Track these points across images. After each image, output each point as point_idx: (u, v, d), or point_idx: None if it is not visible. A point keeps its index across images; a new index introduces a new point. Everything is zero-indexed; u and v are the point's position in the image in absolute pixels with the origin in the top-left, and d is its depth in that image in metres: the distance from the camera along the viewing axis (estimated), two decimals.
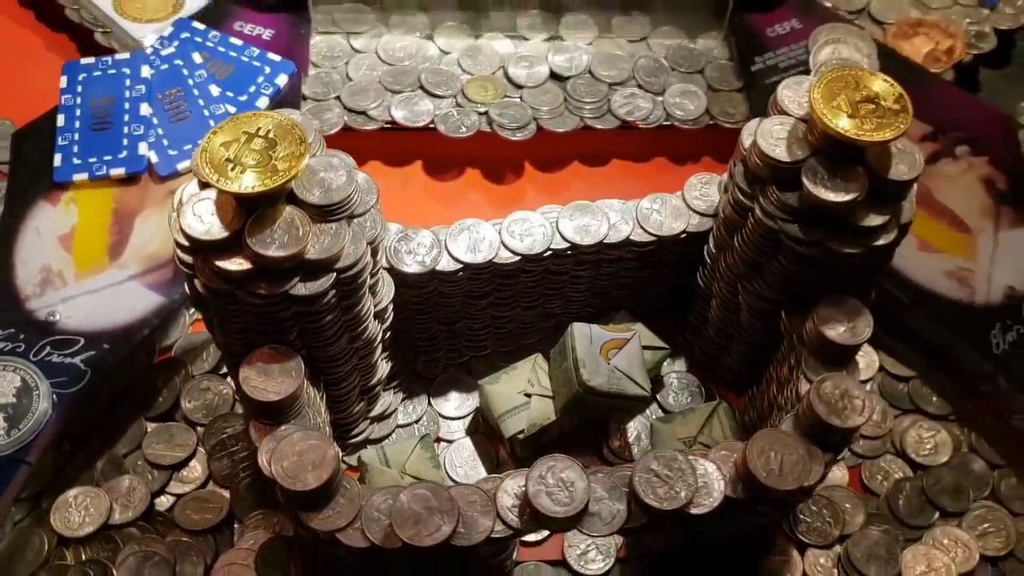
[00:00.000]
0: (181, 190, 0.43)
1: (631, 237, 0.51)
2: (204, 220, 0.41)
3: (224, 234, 0.41)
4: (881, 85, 0.44)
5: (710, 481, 0.43)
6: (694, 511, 0.43)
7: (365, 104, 0.66)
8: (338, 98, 0.66)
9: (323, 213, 0.43)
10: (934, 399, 0.57)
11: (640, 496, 0.42)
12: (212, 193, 0.42)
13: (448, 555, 0.44)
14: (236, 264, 0.41)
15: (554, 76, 0.68)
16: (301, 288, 0.42)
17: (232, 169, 0.41)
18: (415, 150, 0.68)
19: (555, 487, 0.42)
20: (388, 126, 0.65)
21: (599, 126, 0.66)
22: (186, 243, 0.42)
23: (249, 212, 0.42)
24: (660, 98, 0.67)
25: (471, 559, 0.46)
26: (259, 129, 0.42)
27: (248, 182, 0.40)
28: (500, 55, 0.69)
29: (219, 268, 0.41)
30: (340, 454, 0.44)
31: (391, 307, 0.50)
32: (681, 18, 0.70)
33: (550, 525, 0.42)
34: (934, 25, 0.70)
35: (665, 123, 0.67)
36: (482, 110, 0.66)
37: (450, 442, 0.55)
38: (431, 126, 0.65)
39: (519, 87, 0.67)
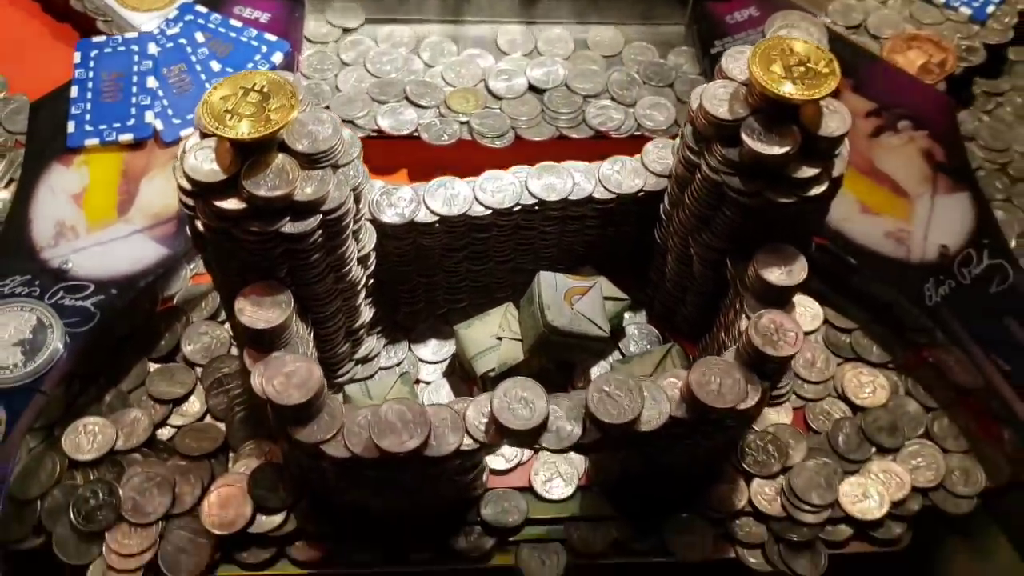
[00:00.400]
0: (184, 142, 0.48)
1: (593, 195, 0.57)
2: (205, 165, 0.46)
3: (222, 177, 0.46)
4: (811, 50, 0.49)
5: (658, 401, 0.48)
6: (643, 428, 0.47)
7: (353, 113, 0.69)
8: (327, 107, 0.69)
9: (311, 161, 0.48)
10: (875, 349, 0.62)
11: (593, 412, 0.47)
12: (212, 142, 0.47)
13: (423, 473, 0.49)
14: (233, 204, 0.46)
15: (532, 88, 0.72)
16: (290, 227, 0.47)
17: (230, 119, 0.46)
18: (400, 158, 0.71)
19: (517, 404, 0.47)
20: (375, 134, 0.69)
21: (574, 135, 0.70)
22: (188, 186, 0.47)
23: (245, 158, 0.46)
24: (631, 109, 0.71)
25: (444, 478, 0.51)
26: (255, 85, 0.47)
27: (244, 129, 0.45)
28: (482, 69, 0.73)
29: (218, 208, 0.46)
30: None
31: (373, 255, 0.55)
32: (647, 7, 0.75)
33: (512, 438, 0.47)
34: (927, 40, 0.75)
35: (636, 133, 0.71)
36: (463, 119, 0.70)
37: (428, 383, 0.59)
38: (415, 134, 0.69)
39: (499, 99, 0.71)
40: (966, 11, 0.77)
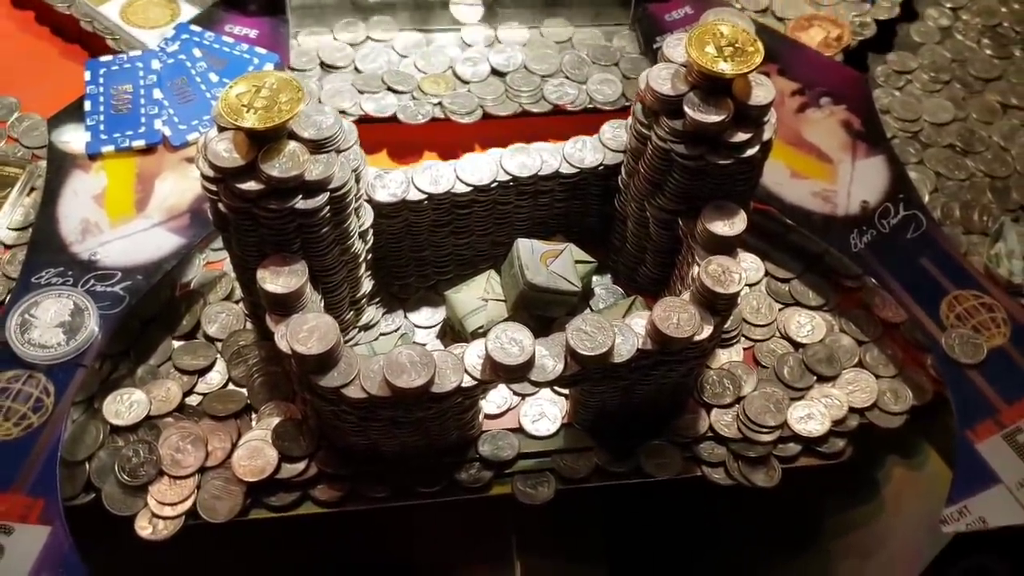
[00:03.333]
0: (204, 135, 0.55)
1: (560, 170, 0.65)
2: (225, 153, 0.54)
3: (242, 163, 0.54)
4: (737, 32, 0.58)
5: (627, 337, 0.56)
6: (615, 360, 0.55)
7: (342, 103, 0.77)
8: (319, 100, 0.77)
9: (317, 146, 0.55)
10: (811, 294, 0.71)
11: (573, 348, 0.55)
12: (229, 135, 0.54)
13: (429, 411, 0.56)
14: (252, 185, 0.54)
15: (495, 72, 0.81)
16: (302, 204, 0.55)
17: (247, 112, 0.53)
18: (382, 140, 0.79)
19: (508, 344, 0.54)
20: (362, 119, 0.76)
21: (535, 110, 0.79)
22: (211, 173, 0.54)
23: (260, 146, 0.54)
24: (584, 86, 0.80)
25: (447, 416, 0.58)
26: (266, 83, 0.54)
27: (259, 120, 0.53)
28: (449, 57, 0.81)
29: (239, 189, 0.54)
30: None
31: (371, 232, 0.62)
32: (595, 10, 0.84)
33: (505, 373, 0.54)
34: (825, 18, 0.86)
35: (589, 106, 0.80)
36: (435, 101, 0.78)
37: (423, 345, 0.67)
38: (396, 116, 0.77)
39: (466, 83, 0.80)
40: None
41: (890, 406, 0.66)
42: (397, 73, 0.80)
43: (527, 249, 0.64)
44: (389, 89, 0.79)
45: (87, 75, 0.71)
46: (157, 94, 0.70)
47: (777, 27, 0.84)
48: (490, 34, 0.84)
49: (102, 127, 0.69)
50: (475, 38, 0.84)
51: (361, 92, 0.79)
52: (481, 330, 0.63)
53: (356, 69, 0.80)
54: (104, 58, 0.73)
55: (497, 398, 0.64)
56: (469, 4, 0.83)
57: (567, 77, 0.81)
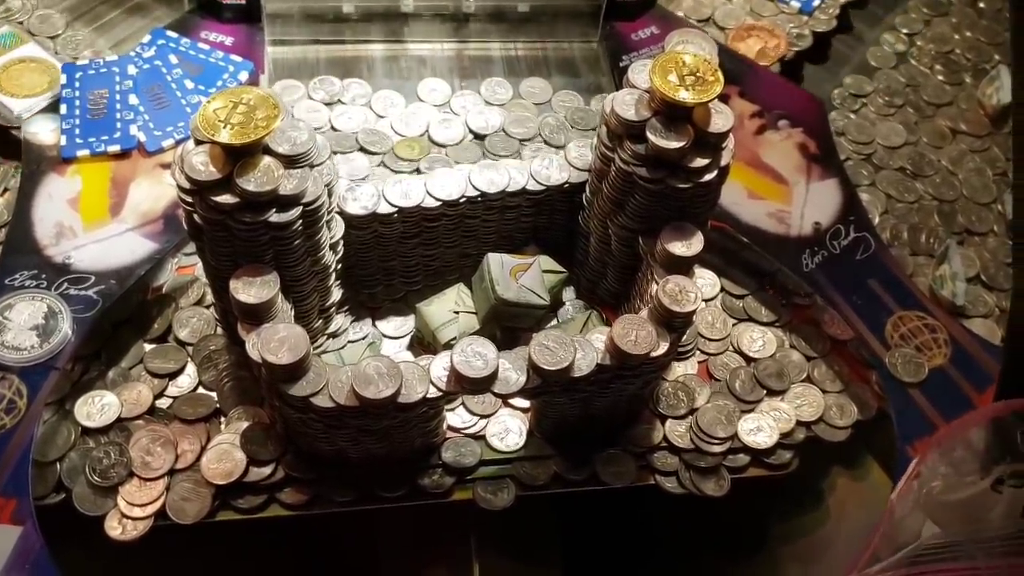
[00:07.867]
0: (181, 148, 0.57)
1: (526, 187, 0.67)
2: (201, 166, 0.55)
3: (218, 176, 0.55)
4: (699, 62, 0.60)
5: (587, 352, 0.58)
6: (575, 374, 0.58)
7: None
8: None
9: (291, 161, 0.57)
10: (763, 311, 0.74)
11: (535, 362, 0.57)
12: (205, 148, 0.56)
13: (393, 422, 0.59)
14: (227, 199, 0.55)
15: (473, 135, 0.80)
16: (276, 217, 0.56)
17: (223, 127, 0.55)
18: None
19: (473, 357, 0.57)
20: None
21: None
22: (187, 185, 0.56)
23: (236, 160, 0.56)
24: (562, 150, 0.76)
25: (412, 424, 0.60)
26: (243, 98, 0.56)
27: (235, 136, 0.54)
28: (427, 120, 0.80)
29: (214, 202, 0.55)
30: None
31: (342, 243, 0.64)
32: (564, 26, 0.86)
33: (469, 385, 0.57)
34: (763, 28, 0.89)
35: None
36: (410, 168, 0.76)
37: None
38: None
39: (442, 146, 0.79)
40: (796, 4, 0.92)
41: (836, 420, 0.69)
42: (372, 132, 0.78)
43: (497, 264, 0.66)
44: (362, 150, 0.77)
45: (63, 79, 0.72)
46: (133, 99, 0.72)
47: (718, 35, 0.88)
48: (470, 95, 0.83)
49: (77, 131, 0.70)
50: (454, 100, 0.83)
51: (334, 152, 0.76)
52: (454, 342, 0.65)
53: (332, 128, 0.79)
54: (80, 62, 0.73)
55: (457, 421, 0.66)
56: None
57: (545, 141, 0.81)
